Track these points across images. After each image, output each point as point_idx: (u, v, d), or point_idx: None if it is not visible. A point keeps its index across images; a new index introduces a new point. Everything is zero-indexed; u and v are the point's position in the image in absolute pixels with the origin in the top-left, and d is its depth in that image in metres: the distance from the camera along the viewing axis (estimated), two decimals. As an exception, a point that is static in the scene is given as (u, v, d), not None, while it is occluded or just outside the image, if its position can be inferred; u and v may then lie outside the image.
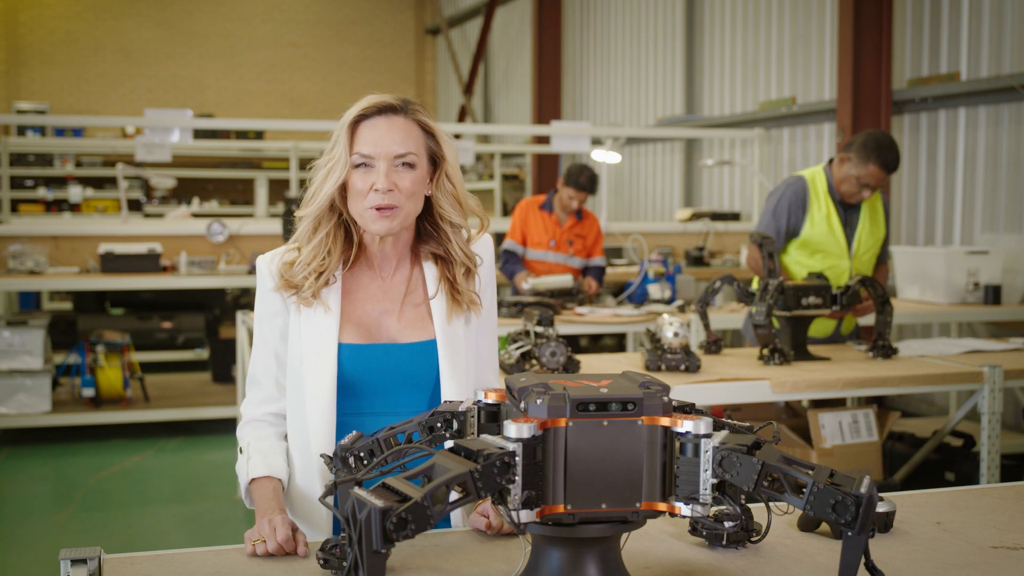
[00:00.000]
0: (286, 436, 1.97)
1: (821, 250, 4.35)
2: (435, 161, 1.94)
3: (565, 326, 5.05)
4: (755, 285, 4.37)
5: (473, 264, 1.98)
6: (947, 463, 4.64)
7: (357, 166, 1.88)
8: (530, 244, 5.92)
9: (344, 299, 1.94)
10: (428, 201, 1.95)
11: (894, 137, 6.73)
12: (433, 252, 1.99)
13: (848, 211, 4.38)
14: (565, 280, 5.55)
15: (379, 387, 1.92)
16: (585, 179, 5.77)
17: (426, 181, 1.93)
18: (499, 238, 6.38)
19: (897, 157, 4.21)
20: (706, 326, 3.98)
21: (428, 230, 1.99)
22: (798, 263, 4.38)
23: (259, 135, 13.12)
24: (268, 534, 1.69)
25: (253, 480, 1.89)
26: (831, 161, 4.40)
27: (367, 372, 1.91)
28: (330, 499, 1.50)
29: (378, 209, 1.86)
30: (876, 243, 4.45)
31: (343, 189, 1.90)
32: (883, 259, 4.55)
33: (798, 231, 4.36)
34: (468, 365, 1.97)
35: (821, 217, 4.33)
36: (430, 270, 1.98)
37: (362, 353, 1.91)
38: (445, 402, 1.61)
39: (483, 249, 2.03)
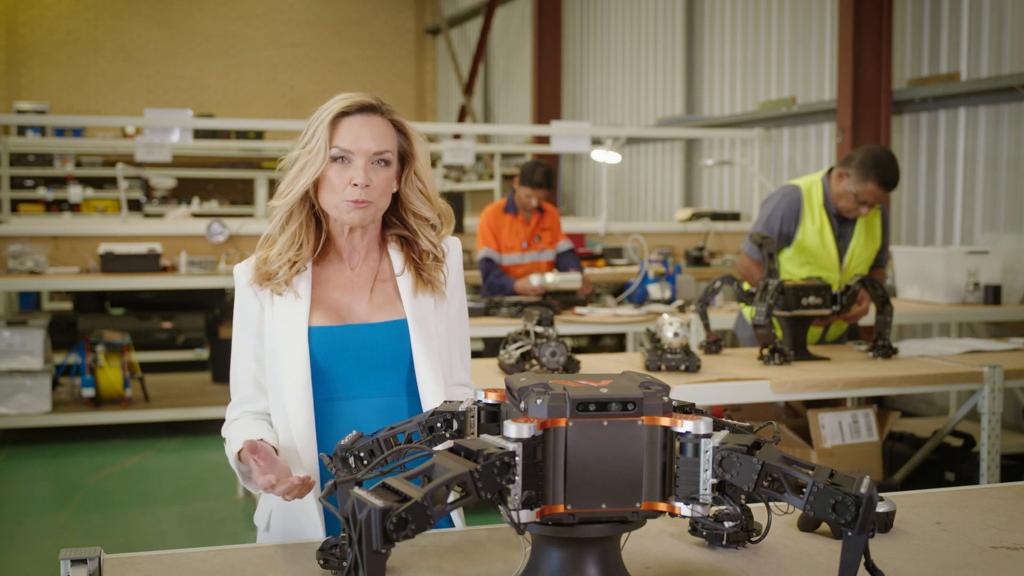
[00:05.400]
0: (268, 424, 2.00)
1: (811, 262, 4.32)
2: (404, 159, 2.00)
3: (565, 326, 5.05)
4: (747, 287, 4.36)
5: (440, 253, 2.04)
6: (947, 463, 4.64)
7: (335, 160, 1.92)
8: (504, 250, 5.87)
9: (314, 289, 1.99)
10: (396, 197, 2.01)
11: (894, 137, 6.75)
12: (398, 234, 2.04)
13: (843, 224, 4.33)
14: (575, 280, 5.55)
15: (352, 370, 1.96)
16: (540, 176, 5.79)
17: (396, 178, 1.99)
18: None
19: (896, 175, 4.14)
20: (706, 326, 3.98)
21: (395, 223, 2.05)
22: (787, 272, 4.34)
23: (259, 135, 13.11)
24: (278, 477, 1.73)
25: (240, 453, 1.90)
26: (831, 170, 4.36)
27: (338, 353, 1.95)
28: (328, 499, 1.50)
29: (354, 202, 1.91)
30: (869, 256, 4.42)
31: (316, 182, 1.95)
32: (881, 263, 4.52)
33: (790, 241, 4.33)
34: (440, 345, 2.00)
35: (814, 230, 4.29)
36: (396, 255, 2.04)
37: (332, 335, 1.95)
38: (445, 402, 1.61)
39: (450, 249, 2.07)
